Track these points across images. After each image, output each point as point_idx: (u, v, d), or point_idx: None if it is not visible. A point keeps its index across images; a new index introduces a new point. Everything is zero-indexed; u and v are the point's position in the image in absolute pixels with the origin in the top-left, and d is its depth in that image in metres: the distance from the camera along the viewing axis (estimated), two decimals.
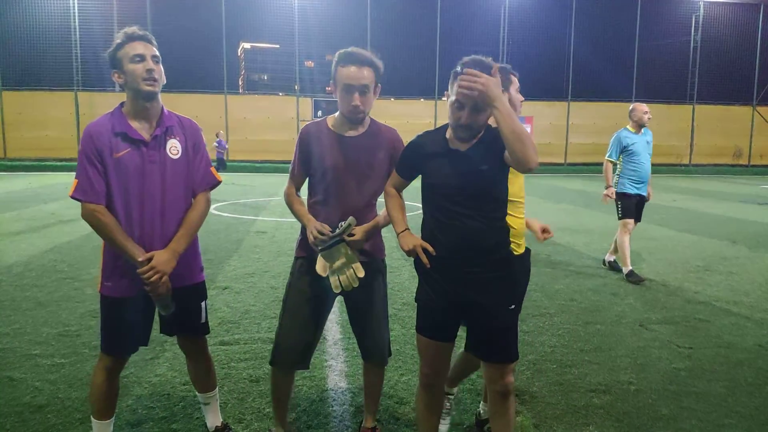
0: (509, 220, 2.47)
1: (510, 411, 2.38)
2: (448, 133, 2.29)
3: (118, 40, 2.34)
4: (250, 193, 15.01)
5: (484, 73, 2.02)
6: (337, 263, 2.43)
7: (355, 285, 2.45)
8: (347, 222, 2.41)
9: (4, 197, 13.29)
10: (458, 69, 2.14)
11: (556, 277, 6.21)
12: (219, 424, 2.82)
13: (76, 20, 25.41)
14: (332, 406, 3.19)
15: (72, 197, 2.34)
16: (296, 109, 26.98)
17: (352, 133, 2.53)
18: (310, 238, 2.42)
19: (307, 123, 2.65)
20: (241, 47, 37.04)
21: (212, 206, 12.62)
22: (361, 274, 2.44)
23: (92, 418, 2.54)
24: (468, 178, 2.21)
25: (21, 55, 25.23)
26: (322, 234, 2.39)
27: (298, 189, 2.67)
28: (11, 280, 5.80)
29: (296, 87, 28.80)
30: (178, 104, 26.06)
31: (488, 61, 2.15)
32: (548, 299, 5.39)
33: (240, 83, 33.08)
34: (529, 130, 29.35)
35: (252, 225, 9.67)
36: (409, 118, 26.18)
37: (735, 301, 5.41)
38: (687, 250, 7.93)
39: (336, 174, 2.50)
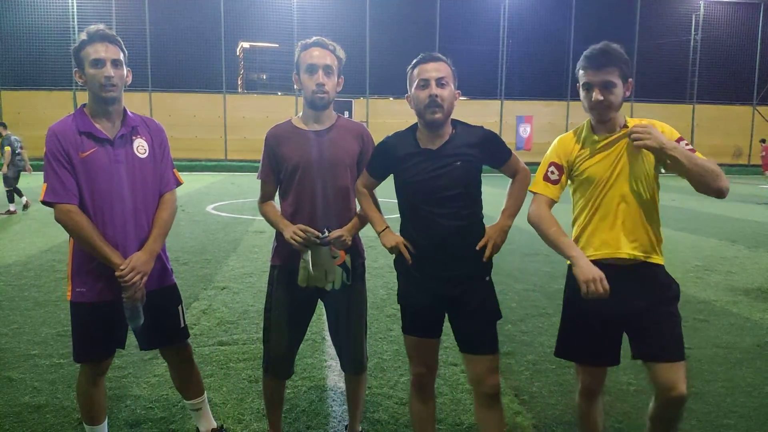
0: (656, 227, 2.35)
1: (499, 416, 2.34)
2: (419, 133, 2.32)
3: (82, 38, 2.26)
4: (248, 193, 14.97)
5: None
6: (318, 262, 2.37)
7: (321, 286, 2.40)
8: (333, 232, 2.37)
9: (2, 197, 13.25)
10: (414, 62, 2.29)
11: (555, 277, 6.20)
12: (214, 426, 2.75)
13: (75, 20, 25.39)
14: (332, 406, 3.18)
15: (43, 201, 2.23)
16: (295, 108, 26.96)
17: (317, 127, 2.49)
18: (294, 237, 2.34)
19: (272, 126, 2.58)
20: (240, 47, 36.97)
21: (210, 206, 12.44)
22: (332, 278, 2.39)
23: (85, 425, 2.51)
24: (441, 177, 2.23)
25: (20, 55, 25.24)
26: (305, 233, 2.33)
27: (270, 198, 2.60)
28: (9, 280, 5.80)
29: (295, 87, 28.74)
30: (176, 104, 26.19)
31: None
32: (547, 299, 5.38)
33: (239, 83, 32.98)
34: (528, 129, 29.02)
35: (250, 224, 9.66)
36: (409, 118, 25.77)
37: (734, 301, 5.41)
38: (686, 249, 7.93)
39: (306, 170, 2.44)
